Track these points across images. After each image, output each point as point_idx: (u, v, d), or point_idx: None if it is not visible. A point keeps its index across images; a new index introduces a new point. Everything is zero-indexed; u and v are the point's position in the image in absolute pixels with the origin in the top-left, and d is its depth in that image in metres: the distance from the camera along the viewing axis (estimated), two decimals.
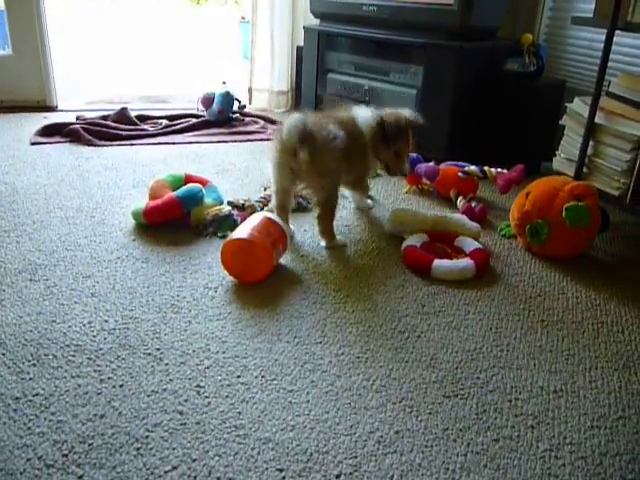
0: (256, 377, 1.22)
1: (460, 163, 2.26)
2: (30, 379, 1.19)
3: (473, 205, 2.08)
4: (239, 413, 1.12)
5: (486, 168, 2.18)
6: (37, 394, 1.15)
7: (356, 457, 1.03)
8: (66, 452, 1.01)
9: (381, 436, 1.09)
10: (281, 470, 1.00)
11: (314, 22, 3.16)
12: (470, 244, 1.77)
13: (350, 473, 1.00)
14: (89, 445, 1.03)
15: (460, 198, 2.16)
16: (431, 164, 2.27)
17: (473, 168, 2.19)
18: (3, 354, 1.26)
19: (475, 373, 1.28)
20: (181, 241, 1.81)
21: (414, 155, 2.36)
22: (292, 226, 1.88)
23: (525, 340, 1.41)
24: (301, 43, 3.34)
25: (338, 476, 0.99)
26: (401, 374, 1.26)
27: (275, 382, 1.21)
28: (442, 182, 2.22)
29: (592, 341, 1.42)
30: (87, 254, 1.71)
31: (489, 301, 1.57)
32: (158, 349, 1.30)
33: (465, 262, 1.67)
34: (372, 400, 1.18)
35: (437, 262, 1.65)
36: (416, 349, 1.35)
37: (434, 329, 1.43)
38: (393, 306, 1.52)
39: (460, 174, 2.19)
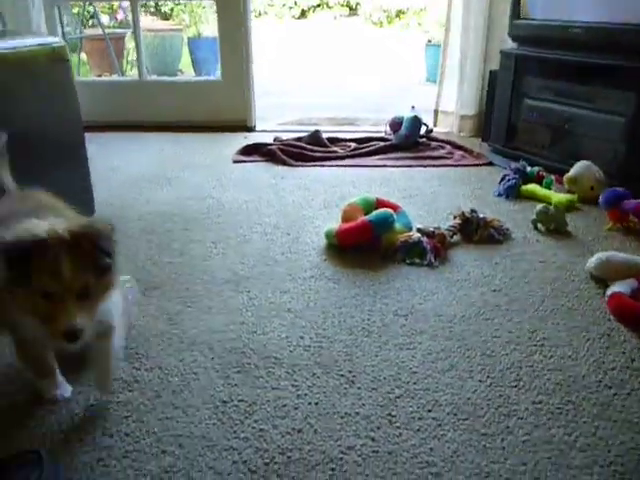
0: (448, 414, 1.20)
1: None
2: (235, 385, 1.29)
3: None
4: (431, 449, 1.11)
5: None
6: (241, 400, 1.24)
7: None
8: (267, 461, 1.08)
9: None
10: None
11: (510, 45, 3.06)
12: None
13: None
14: (288, 457, 1.08)
15: None
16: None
17: None
18: (212, 359, 1.38)
19: None
20: (370, 265, 1.85)
21: (620, 189, 2.17)
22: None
23: None
24: (493, 67, 3.25)
25: None
26: (609, 434, 1.15)
27: (467, 422, 1.18)
28: None
29: None
30: (283, 270, 1.82)
31: None
32: (350, 372, 1.33)
33: None
34: (575, 459, 1.09)
35: None
36: (626, 408, 1.22)
37: None
38: (597, 356, 1.39)
39: None
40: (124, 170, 2.86)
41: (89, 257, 0.95)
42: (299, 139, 3.27)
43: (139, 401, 1.23)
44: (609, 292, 1.62)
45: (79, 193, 2.16)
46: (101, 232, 0.98)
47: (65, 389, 1.23)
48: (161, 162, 3.02)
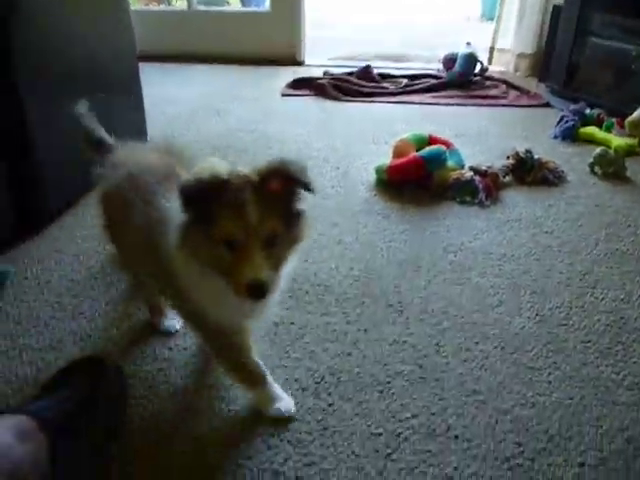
0: (495, 347, 1.21)
1: None
2: (287, 309, 1.32)
3: None
4: (477, 379, 1.13)
5: None
6: (293, 323, 1.28)
7: (602, 451, 0.98)
8: (318, 380, 1.12)
9: (632, 436, 1.01)
10: (519, 444, 0.99)
11: None
12: None
13: (595, 465, 0.95)
14: (338, 378, 1.13)
15: None
16: None
17: None
18: None
19: None
20: (420, 201, 1.84)
21: None
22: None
23: None
24: (557, 1, 3.09)
25: (582, 465, 0.95)
26: None
27: (514, 356, 1.19)
28: None
29: None
30: (333, 203, 1.82)
31: None
32: (399, 302, 1.35)
33: None
34: (622, 396, 1.10)
35: None
36: None
37: None
38: None
39: None
40: (173, 101, 2.87)
41: (278, 201, 0.82)
42: (349, 74, 3.21)
43: None
44: None
45: (133, 122, 2.19)
46: (293, 173, 0.81)
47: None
48: (210, 94, 3.02)
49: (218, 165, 0.82)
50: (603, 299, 1.38)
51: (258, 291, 0.79)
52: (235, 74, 3.45)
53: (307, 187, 0.82)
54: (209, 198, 0.78)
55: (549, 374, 1.15)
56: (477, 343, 1.22)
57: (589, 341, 1.24)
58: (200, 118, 2.63)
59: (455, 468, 0.95)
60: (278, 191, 0.81)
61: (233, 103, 2.85)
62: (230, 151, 2.22)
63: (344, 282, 1.43)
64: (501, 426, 1.03)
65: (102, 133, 1.19)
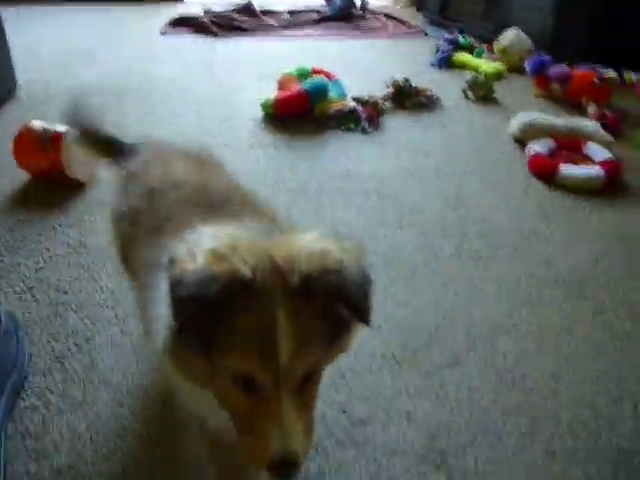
0: (380, 260, 1.31)
1: (596, 67, 2.12)
2: None
3: (607, 113, 1.97)
4: None
5: (626, 74, 2.04)
6: None
7: (471, 337, 1.11)
8: None
9: (495, 322, 1.15)
10: (403, 343, 1.10)
11: None
12: (601, 153, 1.71)
13: (466, 350, 1.08)
14: None
15: (592, 105, 2.05)
16: (563, 67, 2.16)
17: (611, 73, 2.05)
18: None
19: (596, 276, 1.29)
20: (305, 132, 1.89)
21: (545, 57, 2.24)
22: None
23: None
24: None
25: (454, 354, 1.08)
26: (519, 270, 1.30)
27: (398, 267, 1.29)
28: (574, 89, 2.11)
29: None
30: (220, 141, 1.82)
31: (616, 210, 1.54)
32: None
33: (594, 170, 1.63)
34: (488, 289, 1.24)
35: (564, 167, 1.62)
36: (535, 249, 1.38)
37: (555, 232, 1.44)
38: (515, 207, 1.53)
39: (595, 80, 2.06)
40: (45, 45, 2.68)
41: (322, 313, 0.54)
42: (231, 11, 3.13)
43: (88, 262, 1.27)
44: (529, 152, 1.74)
45: None
46: (349, 270, 0.53)
47: None
48: (84, 36, 2.85)
49: (235, 248, 0.52)
50: (476, 208, 1.52)
51: (286, 467, 0.52)
52: (109, 13, 3.26)
53: (362, 317, 0.54)
54: (218, 307, 0.50)
55: (427, 280, 1.26)
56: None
57: (462, 247, 1.37)
58: (75, 62, 2.48)
59: (350, 369, 1.04)
60: (323, 301, 0.53)
61: (110, 44, 2.71)
62: (110, 96, 2.13)
63: None
64: (386, 328, 1.13)
65: (109, 132, 1.00)
